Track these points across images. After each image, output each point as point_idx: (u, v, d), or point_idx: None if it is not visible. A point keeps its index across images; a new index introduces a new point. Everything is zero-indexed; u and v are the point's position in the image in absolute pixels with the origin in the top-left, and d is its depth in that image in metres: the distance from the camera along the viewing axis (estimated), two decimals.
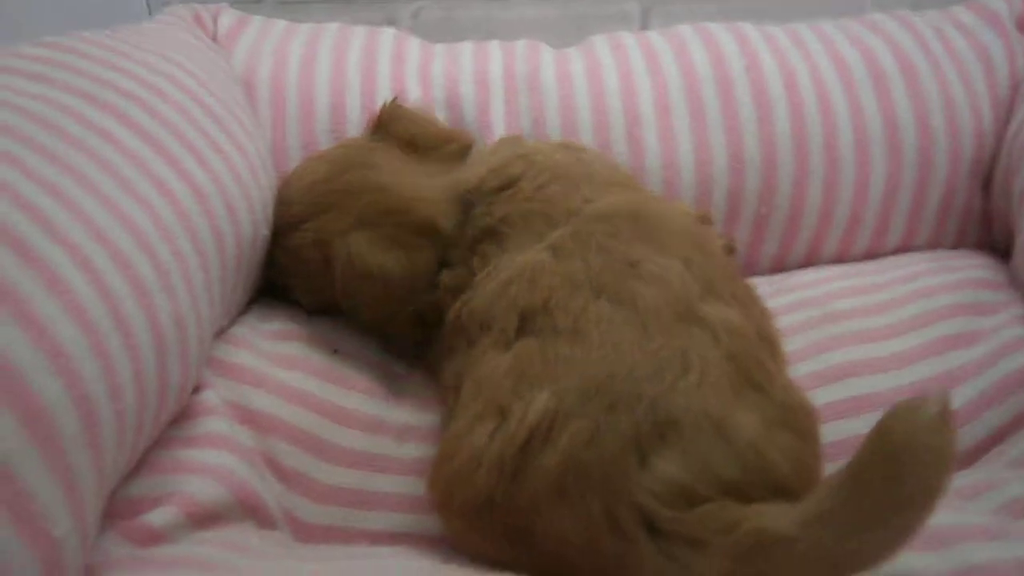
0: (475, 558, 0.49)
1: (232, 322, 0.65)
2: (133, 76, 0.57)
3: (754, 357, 0.44)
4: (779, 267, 0.78)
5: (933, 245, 0.79)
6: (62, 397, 0.36)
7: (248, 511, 0.53)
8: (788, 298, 0.68)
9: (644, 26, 1.00)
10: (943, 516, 0.35)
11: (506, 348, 0.47)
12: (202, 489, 0.50)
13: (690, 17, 0.85)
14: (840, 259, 0.78)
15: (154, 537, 0.47)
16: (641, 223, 0.51)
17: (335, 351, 0.65)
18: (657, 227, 0.51)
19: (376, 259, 0.60)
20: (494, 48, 0.82)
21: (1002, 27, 0.80)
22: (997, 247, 0.79)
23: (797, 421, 0.43)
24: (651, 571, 0.39)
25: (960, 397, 0.58)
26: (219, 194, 0.57)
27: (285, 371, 0.62)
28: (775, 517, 0.36)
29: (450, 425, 0.49)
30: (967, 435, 0.57)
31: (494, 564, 0.47)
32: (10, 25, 0.81)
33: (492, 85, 0.78)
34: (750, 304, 0.49)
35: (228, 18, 0.82)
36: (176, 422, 0.53)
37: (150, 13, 0.96)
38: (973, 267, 0.71)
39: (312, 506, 0.57)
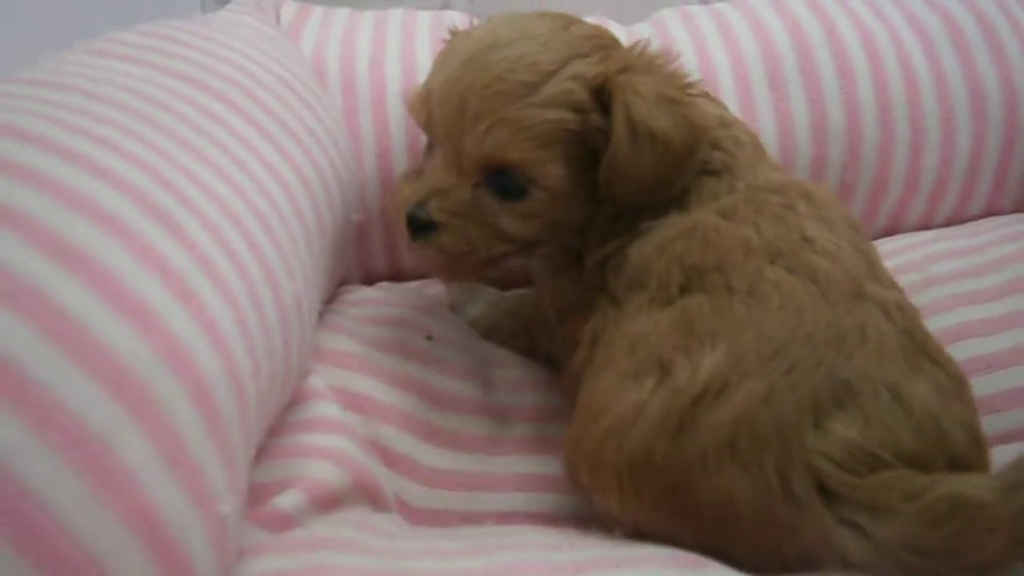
0: (608, 528, 0.48)
1: (323, 309, 0.65)
2: (227, 61, 0.56)
3: (924, 331, 0.45)
4: None
5: (1017, 209, 0.78)
6: (221, 373, 0.36)
7: (366, 495, 0.52)
8: (887, 264, 0.67)
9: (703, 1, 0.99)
10: None
11: (666, 305, 0.46)
12: (325, 472, 0.50)
13: None
14: (924, 225, 0.77)
15: (286, 521, 0.46)
16: (814, 201, 0.50)
17: (429, 337, 0.65)
18: (827, 207, 0.50)
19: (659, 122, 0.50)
20: None
21: None
22: None
23: (967, 392, 0.43)
24: (823, 538, 0.38)
25: None
26: (319, 179, 0.57)
27: (384, 355, 0.61)
28: (968, 484, 0.36)
29: (591, 383, 0.48)
30: None
31: (636, 533, 0.46)
32: (62, 24, 0.80)
33: None
34: (896, 286, 0.49)
35: (290, 8, 0.82)
36: (289, 407, 0.53)
37: (203, 10, 0.95)
38: None
39: (421, 490, 0.56)
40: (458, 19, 0.81)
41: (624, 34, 0.79)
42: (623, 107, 0.49)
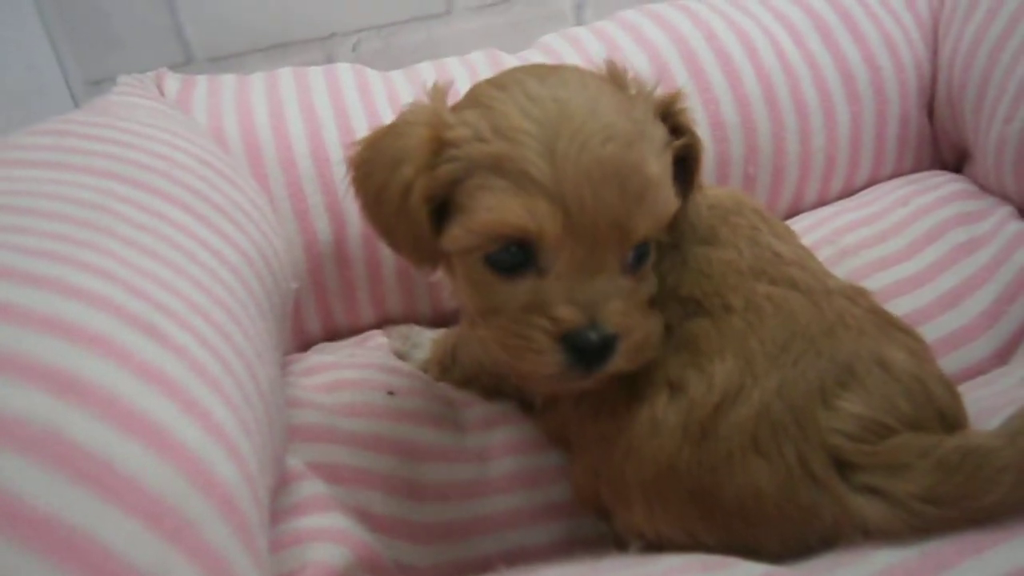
0: (621, 544, 0.49)
1: None
2: (140, 149, 0.53)
3: (882, 307, 0.49)
4: None
5: (896, 173, 0.85)
6: (239, 479, 0.34)
7: (369, 567, 0.51)
8: None
9: (579, 22, 1.03)
10: None
11: (666, 337, 0.48)
12: (328, 555, 0.48)
13: (622, 7, 0.87)
14: (821, 202, 0.83)
15: None
16: (764, 218, 0.54)
17: (390, 392, 0.64)
18: (772, 221, 0.54)
19: None
20: (454, 63, 0.82)
21: None
22: (947, 165, 0.86)
23: (930, 351, 0.48)
24: (843, 512, 0.41)
25: (986, 296, 0.63)
26: (259, 253, 0.55)
27: (352, 420, 0.60)
28: (976, 435, 0.40)
29: (595, 416, 0.49)
30: (1001, 330, 0.62)
31: (651, 545, 0.47)
32: None
33: None
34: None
35: (174, 82, 0.78)
36: (275, 493, 0.51)
37: (71, 93, 0.90)
38: (947, 182, 0.77)
39: (418, 548, 0.55)
40: (348, 72, 0.80)
41: (516, 61, 0.81)
42: (692, 124, 0.49)
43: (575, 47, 0.81)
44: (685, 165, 0.50)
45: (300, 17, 0.96)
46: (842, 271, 0.67)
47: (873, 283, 0.66)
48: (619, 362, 0.44)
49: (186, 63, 0.94)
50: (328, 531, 0.50)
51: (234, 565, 0.32)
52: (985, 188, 0.76)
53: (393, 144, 0.47)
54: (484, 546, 0.56)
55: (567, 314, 0.43)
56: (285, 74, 0.80)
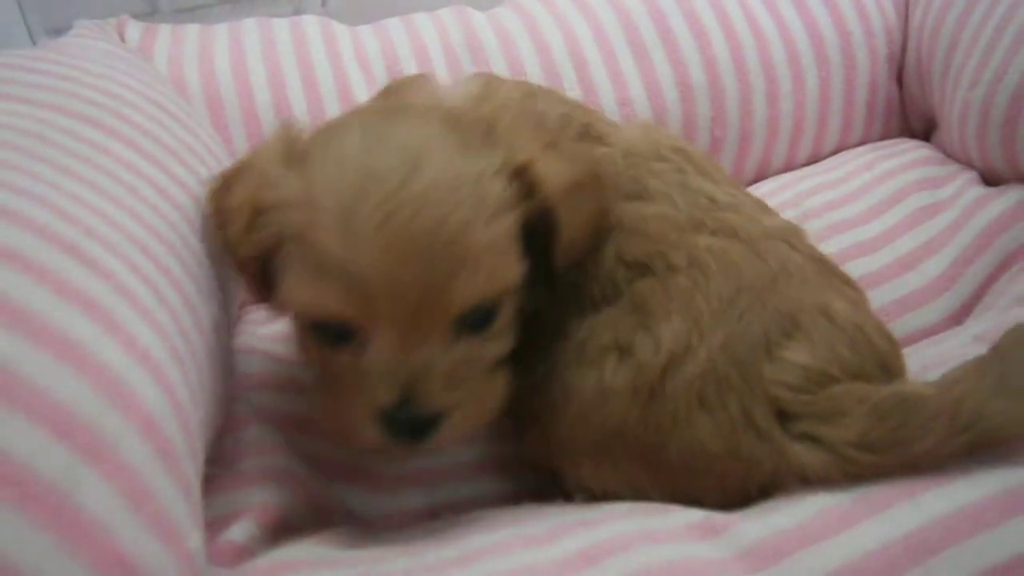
0: (567, 496, 0.49)
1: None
2: (90, 86, 0.52)
3: (822, 254, 0.49)
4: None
5: (864, 140, 0.85)
6: (165, 405, 0.34)
7: (316, 511, 0.51)
8: None
9: None
10: None
11: (615, 300, 0.47)
12: (272, 496, 0.48)
13: None
14: (789, 167, 0.83)
15: (241, 553, 0.44)
16: (691, 159, 0.52)
17: None
18: (699, 160, 0.52)
19: None
20: (423, 19, 0.81)
21: None
22: (915, 134, 0.86)
23: (867, 302, 0.48)
24: (782, 460, 0.41)
25: (944, 259, 0.63)
26: None
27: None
28: (910, 383, 0.40)
29: (546, 384, 0.48)
30: (958, 292, 0.63)
31: (595, 496, 0.48)
32: None
33: (433, 56, 0.77)
34: (772, 210, 0.53)
35: (135, 29, 0.77)
36: (221, 436, 0.50)
37: (31, 39, 0.88)
38: (912, 149, 0.78)
39: (365, 495, 0.55)
40: (314, 25, 0.79)
41: (486, 20, 0.80)
42: (552, 187, 0.44)
43: (545, 4, 0.80)
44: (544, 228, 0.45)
45: None
46: None
47: (833, 245, 0.66)
48: (450, 433, 0.43)
49: (151, 13, 0.92)
50: (273, 473, 0.49)
51: (154, 488, 0.31)
52: (950, 155, 0.76)
53: (223, 200, 0.46)
54: (434, 496, 0.56)
55: (380, 393, 0.41)
56: (249, 25, 0.79)
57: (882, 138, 0.85)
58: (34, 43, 0.88)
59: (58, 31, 0.88)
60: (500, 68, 0.75)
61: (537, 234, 0.45)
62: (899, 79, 0.85)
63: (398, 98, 0.55)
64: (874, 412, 0.40)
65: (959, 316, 0.63)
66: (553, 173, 0.44)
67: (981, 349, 0.51)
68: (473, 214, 0.41)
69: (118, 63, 0.60)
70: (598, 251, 0.48)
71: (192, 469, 0.36)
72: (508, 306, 0.45)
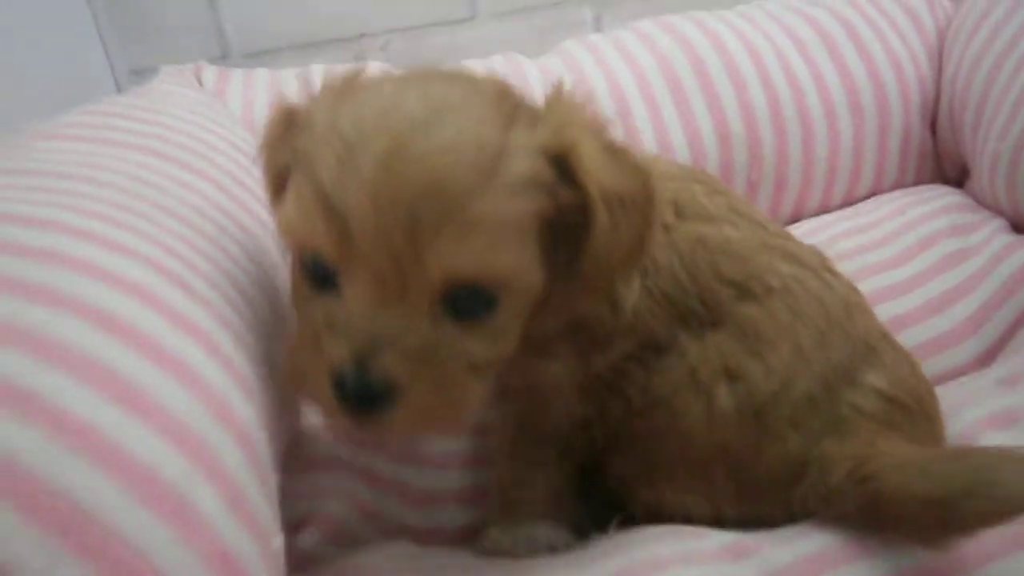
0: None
1: None
2: (179, 131, 0.58)
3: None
4: None
5: (897, 185, 0.88)
6: (255, 419, 0.38)
7: (374, 525, 0.55)
8: None
9: (597, 30, 1.07)
10: None
11: (719, 324, 0.49)
12: (335, 508, 0.52)
13: (637, 18, 0.91)
14: (823, 210, 0.86)
15: (308, 560, 0.49)
16: (713, 181, 0.55)
17: None
18: (726, 191, 0.55)
19: None
20: (476, 66, 0.86)
21: None
22: (948, 180, 0.89)
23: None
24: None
25: (972, 303, 0.66)
26: None
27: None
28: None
29: (649, 408, 0.50)
30: (985, 335, 0.65)
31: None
32: None
33: None
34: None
35: (211, 73, 0.84)
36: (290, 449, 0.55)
37: (115, 81, 0.95)
38: (943, 195, 0.80)
39: (413, 511, 0.59)
40: (375, 72, 0.85)
41: (535, 68, 0.85)
42: (594, 181, 0.40)
43: (592, 53, 0.85)
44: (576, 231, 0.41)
45: (331, 18, 1.01)
46: None
47: (865, 287, 0.67)
48: (400, 421, 0.38)
49: (223, 57, 0.99)
50: (333, 489, 0.54)
51: (248, 493, 0.35)
52: (981, 202, 0.79)
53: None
54: (474, 514, 0.60)
55: (337, 347, 0.38)
56: (315, 70, 0.84)
57: (916, 183, 0.88)
58: (117, 81, 0.95)
59: (139, 72, 0.96)
60: None
61: (566, 242, 0.41)
62: (933, 127, 0.88)
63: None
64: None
65: (986, 359, 0.65)
66: (602, 170, 0.40)
67: (1005, 391, 0.54)
68: (484, 180, 0.38)
69: (201, 108, 0.66)
70: (688, 268, 0.49)
71: (273, 477, 0.40)
72: (512, 306, 0.41)
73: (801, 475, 0.46)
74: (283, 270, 0.57)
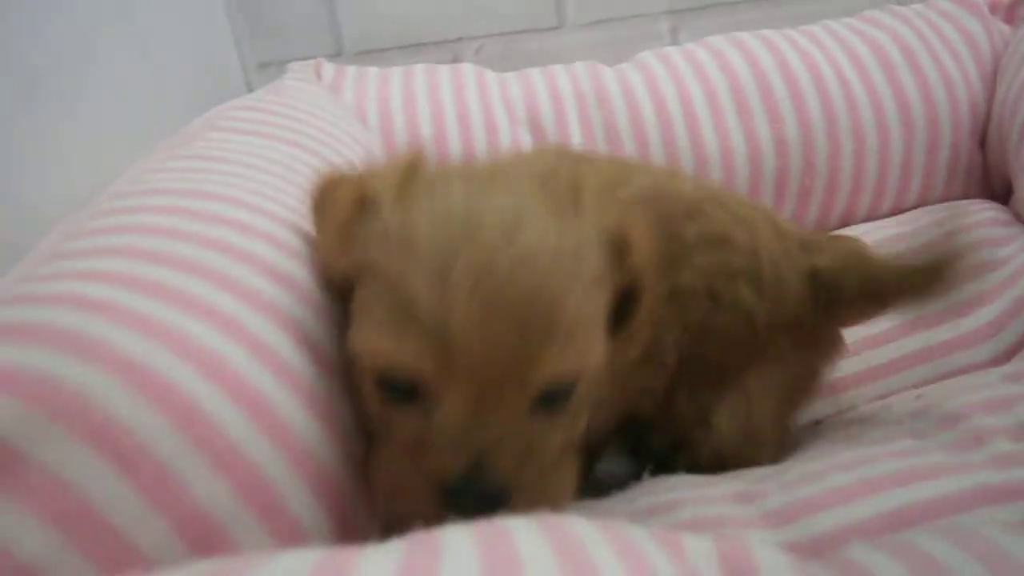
0: None
1: None
2: (312, 125, 0.70)
3: None
4: (821, 229, 0.93)
5: (945, 198, 0.94)
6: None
7: None
8: None
9: (674, 42, 1.15)
10: None
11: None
12: None
13: (712, 31, 0.99)
14: (872, 217, 0.94)
15: None
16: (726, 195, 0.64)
17: None
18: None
19: None
20: (559, 71, 0.96)
21: (979, 11, 0.96)
22: (996, 196, 0.95)
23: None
24: None
25: (994, 310, 0.73)
26: None
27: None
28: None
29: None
30: (1003, 339, 0.72)
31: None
32: (116, 101, 0.88)
33: (565, 102, 0.92)
34: None
35: (329, 70, 0.96)
36: None
37: (244, 71, 1.09)
38: (984, 210, 0.87)
39: None
40: (470, 72, 0.96)
41: (612, 74, 0.94)
42: (647, 260, 0.43)
43: (665, 64, 0.94)
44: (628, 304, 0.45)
45: (434, 22, 1.13)
46: None
47: None
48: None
49: (337, 54, 1.12)
50: None
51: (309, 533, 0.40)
52: (1020, 218, 0.85)
53: (330, 192, 0.46)
54: None
55: (446, 460, 0.37)
56: (419, 69, 0.96)
57: (963, 197, 0.94)
58: (246, 74, 1.09)
59: (264, 65, 1.10)
60: (622, 116, 0.90)
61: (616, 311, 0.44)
62: (982, 144, 0.93)
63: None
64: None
65: (1001, 360, 0.72)
66: (644, 241, 0.43)
67: (1009, 385, 0.62)
68: (571, 283, 0.39)
69: (325, 103, 0.78)
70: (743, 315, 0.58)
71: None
72: (586, 386, 0.42)
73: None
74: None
